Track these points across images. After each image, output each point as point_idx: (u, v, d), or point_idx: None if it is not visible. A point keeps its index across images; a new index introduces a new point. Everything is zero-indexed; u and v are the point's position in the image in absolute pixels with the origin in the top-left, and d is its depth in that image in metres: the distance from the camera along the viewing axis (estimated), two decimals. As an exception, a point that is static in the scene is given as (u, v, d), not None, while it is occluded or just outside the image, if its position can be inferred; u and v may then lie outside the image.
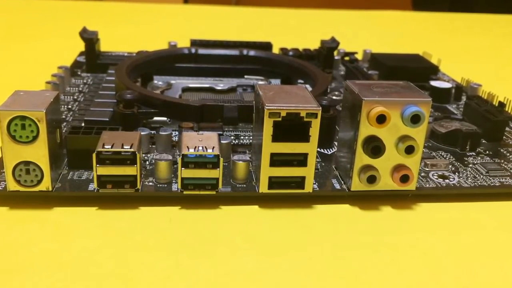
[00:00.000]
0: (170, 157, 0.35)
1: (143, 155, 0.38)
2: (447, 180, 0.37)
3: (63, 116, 0.44)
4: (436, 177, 0.37)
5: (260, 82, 0.53)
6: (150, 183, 0.34)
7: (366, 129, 0.33)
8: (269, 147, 0.33)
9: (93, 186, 0.33)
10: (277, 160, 0.33)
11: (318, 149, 0.39)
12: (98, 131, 0.35)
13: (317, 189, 0.35)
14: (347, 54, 0.63)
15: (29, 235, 0.30)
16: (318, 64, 0.57)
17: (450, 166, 0.39)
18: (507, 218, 0.35)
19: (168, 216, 0.33)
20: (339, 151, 0.37)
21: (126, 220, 0.32)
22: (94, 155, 0.31)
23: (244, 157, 0.35)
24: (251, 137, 0.42)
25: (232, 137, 0.42)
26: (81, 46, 0.56)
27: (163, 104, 0.41)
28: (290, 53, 0.58)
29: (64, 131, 0.39)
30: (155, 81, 0.52)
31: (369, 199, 0.36)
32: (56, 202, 0.33)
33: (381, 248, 0.31)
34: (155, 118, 0.42)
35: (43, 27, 0.79)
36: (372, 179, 0.34)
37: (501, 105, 0.46)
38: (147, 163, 0.37)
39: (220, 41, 0.59)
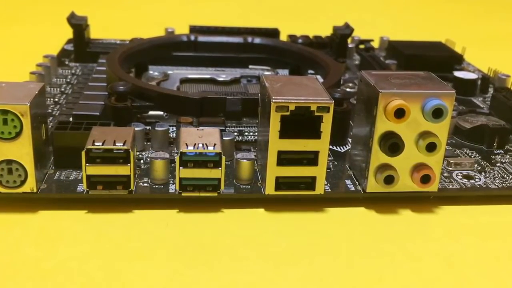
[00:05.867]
0: (167, 155, 0.35)
1: (137, 153, 0.38)
2: (472, 181, 0.37)
3: (49, 110, 0.44)
4: (460, 177, 0.37)
5: (266, 73, 0.53)
6: (145, 184, 0.34)
7: (383, 125, 0.33)
8: (276, 144, 0.33)
9: (82, 187, 0.33)
10: (285, 158, 0.33)
11: (330, 147, 0.39)
12: (88, 127, 0.34)
13: (329, 190, 0.35)
14: (362, 41, 0.63)
15: (11, 240, 0.30)
16: (330, 52, 0.57)
17: (476, 165, 0.39)
18: (540, 223, 0.35)
19: (164, 220, 0.33)
20: (353, 149, 0.37)
21: (118, 225, 0.32)
22: (83, 153, 0.31)
23: (249, 155, 0.35)
24: (256, 133, 0.42)
25: (235, 133, 0.42)
26: (69, 33, 0.56)
27: (159, 96, 0.41)
28: (300, 40, 0.58)
29: (50, 126, 0.39)
30: (151, 72, 0.52)
31: (387, 202, 0.35)
32: (41, 204, 0.33)
33: (399, 255, 0.31)
34: (151, 113, 0.42)
35: (27, 11, 0.79)
36: (389, 180, 0.34)
37: (532, 98, 0.46)
38: (142, 162, 0.37)
39: (222, 28, 0.58)
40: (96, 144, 0.32)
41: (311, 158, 0.33)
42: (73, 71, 0.53)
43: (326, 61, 0.50)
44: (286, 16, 0.85)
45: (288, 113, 0.32)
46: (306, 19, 0.84)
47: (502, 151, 0.41)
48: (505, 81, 0.52)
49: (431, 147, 0.33)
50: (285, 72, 0.54)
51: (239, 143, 0.40)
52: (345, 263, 0.30)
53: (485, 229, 0.34)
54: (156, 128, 0.38)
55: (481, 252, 0.32)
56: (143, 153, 0.38)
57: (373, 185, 0.34)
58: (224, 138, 0.36)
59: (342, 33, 0.57)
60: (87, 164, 0.32)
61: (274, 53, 0.54)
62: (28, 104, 0.31)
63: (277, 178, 0.33)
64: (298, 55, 0.53)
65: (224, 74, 0.52)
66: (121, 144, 0.32)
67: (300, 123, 0.32)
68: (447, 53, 0.58)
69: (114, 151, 0.32)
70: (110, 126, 0.35)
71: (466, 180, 0.37)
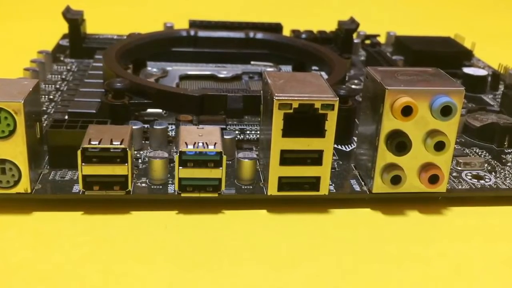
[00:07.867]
0: (166, 155, 0.35)
1: (135, 152, 0.38)
2: (482, 181, 0.37)
3: (44, 108, 0.44)
4: (469, 177, 0.37)
5: (269, 69, 0.53)
6: (143, 184, 0.34)
7: (390, 123, 0.33)
8: (279, 143, 0.33)
9: (78, 187, 0.33)
10: (288, 158, 0.33)
11: (335, 146, 0.39)
12: (84, 125, 0.34)
13: (334, 191, 0.35)
14: (368, 37, 0.63)
15: (5, 243, 0.30)
16: (335, 48, 0.57)
17: (486, 165, 0.39)
18: (552, 225, 0.35)
19: (163, 222, 0.33)
20: (359, 148, 0.37)
21: (115, 227, 0.32)
22: (79, 152, 0.31)
23: (251, 154, 0.35)
24: (258, 132, 0.42)
25: (237, 132, 0.42)
26: (64, 27, 0.56)
27: (158, 94, 0.41)
28: (303, 35, 0.58)
29: (44, 124, 0.39)
30: (149, 68, 0.52)
31: (393, 203, 0.35)
32: (36, 205, 0.33)
33: (407, 258, 0.31)
34: (149, 110, 0.42)
35: (21, 6, 0.79)
36: (396, 180, 0.34)
37: (545, 95, 0.46)
38: (140, 161, 0.37)
39: (223, 22, 0.58)
40: (92, 143, 0.32)
41: (315, 158, 0.33)
42: (68, 68, 0.53)
43: (330, 57, 0.50)
44: (289, 10, 0.85)
45: (291, 111, 0.32)
46: (310, 14, 0.84)
47: (513, 150, 0.41)
48: (516, 78, 0.52)
49: (439, 146, 0.33)
50: (288, 68, 0.54)
51: (241, 142, 0.40)
52: (350, 266, 0.30)
53: (495, 230, 0.34)
54: (155, 127, 0.38)
55: (490, 255, 0.32)
56: (141, 152, 0.38)
57: (380, 185, 0.34)
58: (225, 136, 0.36)
59: (347, 28, 0.57)
60: (83, 164, 0.32)
61: (276, 49, 0.54)
62: (22, 102, 0.31)
63: (280, 178, 0.33)
64: (301, 51, 0.53)
65: (225, 71, 0.52)
66: (118, 143, 0.32)
67: (304, 121, 0.32)
68: (456, 48, 0.58)
69: (111, 150, 0.32)
70: (107, 125, 0.35)
71: (476, 180, 0.37)
